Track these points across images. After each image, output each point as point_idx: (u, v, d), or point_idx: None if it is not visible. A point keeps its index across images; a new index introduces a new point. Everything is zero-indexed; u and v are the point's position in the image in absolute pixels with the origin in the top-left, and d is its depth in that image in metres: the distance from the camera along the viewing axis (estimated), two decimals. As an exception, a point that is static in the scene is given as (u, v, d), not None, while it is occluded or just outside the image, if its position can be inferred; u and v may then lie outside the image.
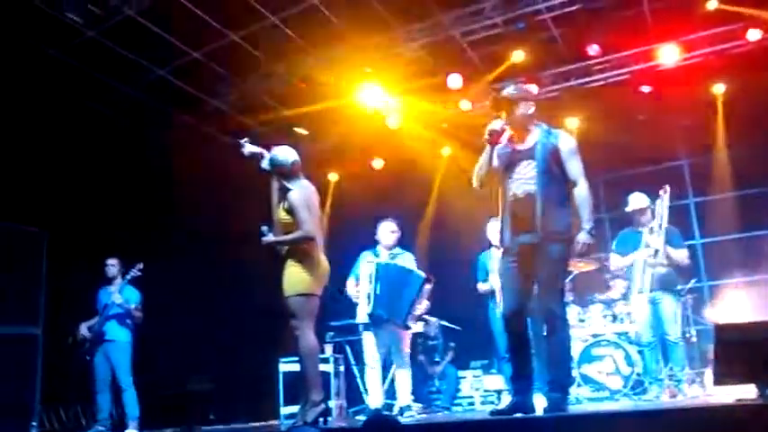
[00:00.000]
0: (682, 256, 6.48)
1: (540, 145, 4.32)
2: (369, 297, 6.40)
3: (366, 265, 6.57)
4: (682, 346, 6.43)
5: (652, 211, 6.52)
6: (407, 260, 6.69)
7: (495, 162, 4.43)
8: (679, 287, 6.66)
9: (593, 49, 8.27)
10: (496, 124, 4.33)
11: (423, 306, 6.59)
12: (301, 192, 4.84)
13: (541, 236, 4.20)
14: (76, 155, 8.02)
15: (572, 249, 4.32)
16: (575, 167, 4.33)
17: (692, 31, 8.04)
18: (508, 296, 4.38)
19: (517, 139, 4.42)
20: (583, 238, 4.27)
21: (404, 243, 6.91)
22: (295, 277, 4.74)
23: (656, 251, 6.32)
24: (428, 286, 6.54)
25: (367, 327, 6.54)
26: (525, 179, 4.30)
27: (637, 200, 6.67)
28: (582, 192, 4.30)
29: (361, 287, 6.51)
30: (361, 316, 6.53)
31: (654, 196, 6.56)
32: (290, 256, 4.80)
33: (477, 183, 4.48)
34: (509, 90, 4.51)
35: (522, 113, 4.39)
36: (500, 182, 4.42)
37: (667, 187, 6.42)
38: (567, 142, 4.36)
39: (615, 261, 6.78)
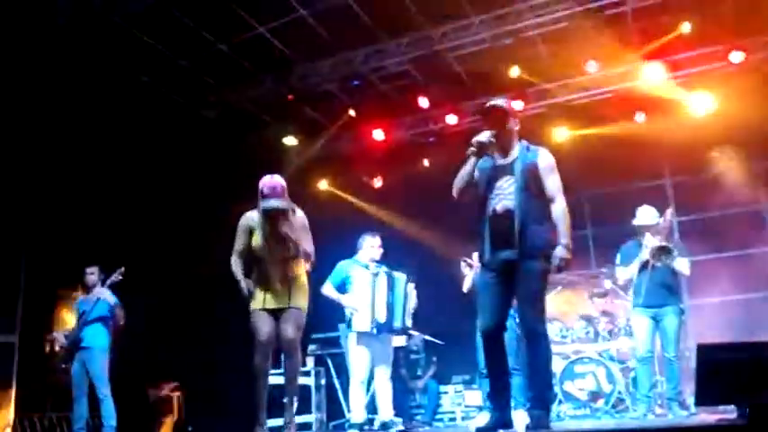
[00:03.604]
0: (685, 265, 6.37)
1: (520, 161, 4.32)
2: (372, 307, 6.24)
3: (360, 273, 6.36)
4: (678, 364, 6.32)
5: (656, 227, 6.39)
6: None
7: (476, 175, 4.42)
8: (681, 305, 6.44)
9: (591, 66, 8.34)
10: (484, 136, 4.31)
11: (412, 304, 6.59)
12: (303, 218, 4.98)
13: (521, 252, 4.17)
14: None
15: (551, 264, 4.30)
16: (552, 184, 4.32)
17: (675, 51, 8.14)
18: (487, 312, 4.34)
19: (500, 153, 4.41)
20: (560, 252, 4.23)
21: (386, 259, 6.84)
22: (305, 292, 4.96)
23: (663, 247, 6.19)
24: (411, 285, 6.56)
25: (360, 340, 6.31)
26: (505, 195, 4.28)
27: (646, 214, 6.46)
28: (559, 208, 4.29)
29: (358, 296, 6.27)
30: (362, 325, 6.24)
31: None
32: (298, 269, 4.97)
33: (457, 194, 4.46)
34: (501, 102, 4.50)
35: (510, 127, 4.39)
36: (480, 197, 4.40)
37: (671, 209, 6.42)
38: (545, 159, 4.36)
39: (621, 273, 6.51)
